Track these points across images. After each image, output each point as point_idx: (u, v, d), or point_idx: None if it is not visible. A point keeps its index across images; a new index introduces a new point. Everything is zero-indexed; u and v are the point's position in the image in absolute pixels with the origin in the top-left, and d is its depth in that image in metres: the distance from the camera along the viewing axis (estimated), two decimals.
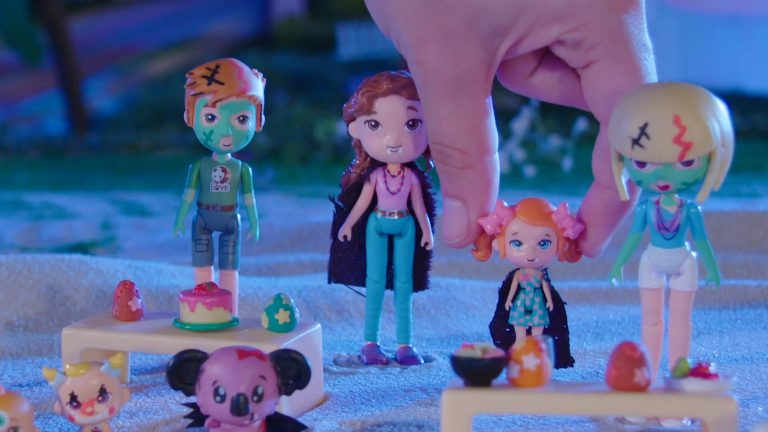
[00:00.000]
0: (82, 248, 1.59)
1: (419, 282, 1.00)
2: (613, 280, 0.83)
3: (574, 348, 0.98)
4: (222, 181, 0.95)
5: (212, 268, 0.96)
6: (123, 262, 1.22)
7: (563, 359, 0.90)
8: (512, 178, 2.22)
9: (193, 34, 4.10)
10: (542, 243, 0.86)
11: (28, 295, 1.13)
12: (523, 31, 0.82)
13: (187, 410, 0.76)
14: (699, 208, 0.82)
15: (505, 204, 0.87)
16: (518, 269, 0.89)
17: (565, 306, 0.90)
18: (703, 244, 0.82)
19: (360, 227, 0.98)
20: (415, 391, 0.92)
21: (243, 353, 0.73)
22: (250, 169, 0.96)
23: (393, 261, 0.99)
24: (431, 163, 0.98)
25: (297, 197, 2.12)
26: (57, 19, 3.41)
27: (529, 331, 0.89)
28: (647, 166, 0.79)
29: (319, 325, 0.91)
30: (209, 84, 0.91)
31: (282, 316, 0.89)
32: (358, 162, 0.98)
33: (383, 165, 0.97)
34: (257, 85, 0.93)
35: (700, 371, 0.75)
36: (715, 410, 0.74)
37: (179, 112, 1.02)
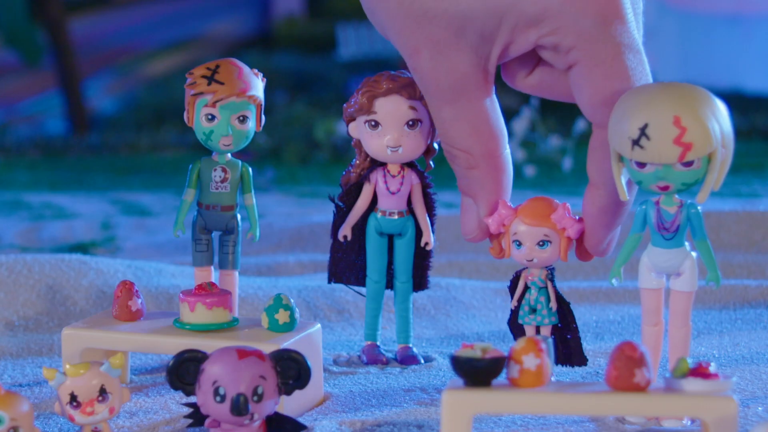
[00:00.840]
0: (82, 248, 1.59)
1: (419, 282, 1.00)
2: (613, 281, 0.83)
3: None
4: (222, 181, 0.95)
5: (212, 268, 0.96)
6: (123, 262, 1.22)
7: (577, 358, 0.90)
8: (512, 178, 2.21)
9: (193, 34, 4.10)
10: (541, 243, 0.86)
11: (28, 295, 1.13)
12: (506, 37, 0.83)
13: (187, 410, 0.76)
14: (699, 208, 0.81)
15: (510, 204, 0.87)
16: (525, 268, 0.89)
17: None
18: (703, 245, 0.82)
19: (360, 227, 0.98)
20: (415, 391, 0.92)
21: (243, 353, 0.73)
22: (250, 169, 0.96)
23: (393, 261, 0.99)
24: (431, 163, 0.98)
25: (297, 197, 2.12)
26: (57, 19, 3.41)
27: (537, 330, 0.89)
28: (647, 166, 0.79)
29: (319, 325, 0.91)
30: (209, 84, 0.91)
31: (282, 316, 0.89)
32: (358, 162, 0.98)
33: (383, 165, 0.97)
34: (257, 85, 0.93)
35: (700, 371, 0.75)
36: (715, 410, 0.74)
37: (179, 112, 1.02)
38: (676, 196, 0.81)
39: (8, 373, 0.99)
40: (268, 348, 0.80)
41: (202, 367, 0.73)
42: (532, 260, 0.87)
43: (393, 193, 0.97)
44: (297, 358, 0.74)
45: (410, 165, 0.97)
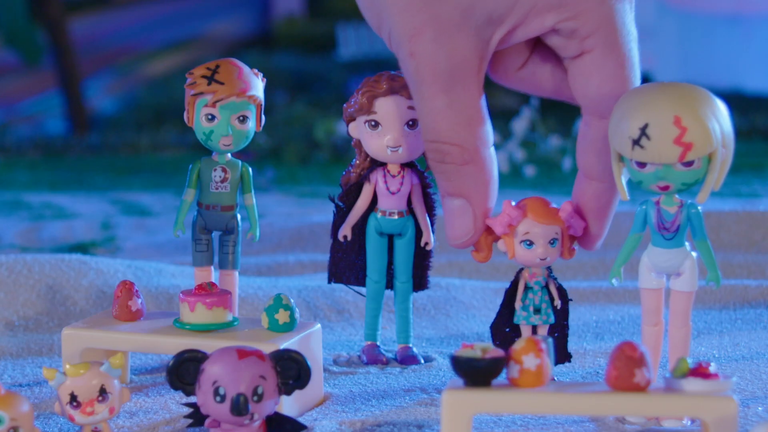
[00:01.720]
0: (82, 248, 1.59)
1: (419, 282, 1.00)
2: (613, 281, 0.83)
3: (574, 348, 0.98)
4: (222, 181, 0.95)
5: (212, 268, 0.96)
6: (123, 262, 1.22)
7: (561, 355, 0.90)
8: (512, 178, 2.21)
9: (193, 34, 4.10)
10: (552, 242, 0.86)
11: (28, 295, 1.13)
12: (518, 19, 0.82)
13: (187, 410, 0.76)
14: (699, 208, 0.82)
15: (513, 204, 0.86)
16: (523, 269, 0.88)
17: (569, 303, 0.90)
18: (703, 245, 0.82)
19: (360, 227, 0.98)
20: (415, 391, 0.92)
21: (243, 353, 0.73)
22: (250, 169, 0.96)
23: (393, 261, 0.99)
24: None
25: (297, 197, 2.12)
26: (57, 19, 3.40)
27: (534, 330, 0.89)
28: (647, 166, 0.79)
29: (319, 325, 0.91)
30: (209, 84, 0.91)
31: (282, 316, 0.89)
32: (358, 162, 0.98)
33: (383, 165, 0.97)
34: (257, 85, 0.93)
35: (700, 371, 0.75)
36: (715, 410, 0.74)
37: (179, 112, 1.02)
38: (677, 196, 0.81)
39: (8, 373, 0.99)
40: (268, 348, 0.80)
41: (202, 367, 0.74)
42: (545, 259, 0.87)
43: (393, 193, 0.97)
44: (297, 358, 0.74)
45: (410, 165, 0.97)
